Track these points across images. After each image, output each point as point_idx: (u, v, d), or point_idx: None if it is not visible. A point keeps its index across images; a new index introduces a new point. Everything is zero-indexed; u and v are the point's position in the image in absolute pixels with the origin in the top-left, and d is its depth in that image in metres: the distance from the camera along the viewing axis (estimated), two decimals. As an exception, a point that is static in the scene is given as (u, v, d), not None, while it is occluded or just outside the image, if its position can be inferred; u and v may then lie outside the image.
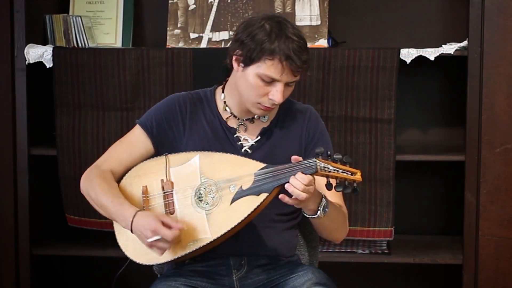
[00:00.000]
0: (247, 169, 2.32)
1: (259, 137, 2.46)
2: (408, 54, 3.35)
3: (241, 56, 2.35)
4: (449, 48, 3.38)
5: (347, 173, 2.21)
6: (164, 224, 2.27)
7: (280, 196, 2.24)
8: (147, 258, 2.36)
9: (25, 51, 3.47)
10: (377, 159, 3.38)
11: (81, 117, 3.50)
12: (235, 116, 2.47)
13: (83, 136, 3.50)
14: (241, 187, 2.31)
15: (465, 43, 3.37)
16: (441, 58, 3.37)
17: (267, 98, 2.35)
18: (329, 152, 2.23)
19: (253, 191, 2.29)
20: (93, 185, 2.39)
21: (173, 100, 2.49)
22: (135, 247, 2.37)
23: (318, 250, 2.66)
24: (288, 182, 2.23)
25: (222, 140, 2.45)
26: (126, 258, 2.43)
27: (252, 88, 2.34)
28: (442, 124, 3.73)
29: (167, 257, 2.34)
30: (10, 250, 3.57)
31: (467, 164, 3.38)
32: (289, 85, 2.37)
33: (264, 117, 2.47)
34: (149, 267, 2.61)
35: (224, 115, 2.47)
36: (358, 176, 2.21)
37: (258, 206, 2.29)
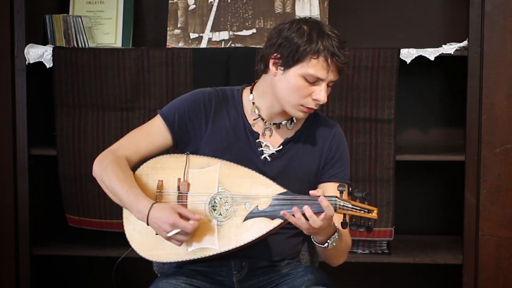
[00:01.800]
0: (266, 190, 2.30)
1: (281, 147, 2.44)
2: (408, 54, 3.35)
3: (280, 59, 2.33)
4: (449, 48, 3.38)
5: (364, 211, 2.20)
6: (181, 216, 2.27)
7: (282, 212, 2.23)
8: (151, 253, 2.36)
9: (25, 51, 3.47)
10: (377, 159, 3.38)
11: (81, 117, 3.50)
12: (262, 119, 2.44)
13: (83, 136, 3.49)
14: (257, 206, 2.30)
15: (465, 43, 3.37)
16: (441, 58, 3.37)
17: (311, 99, 2.33)
18: (350, 189, 2.22)
19: (268, 214, 2.28)
20: (108, 172, 2.36)
21: (198, 96, 2.45)
22: (141, 239, 2.37)
23: (318, 250, 2.66)
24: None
25: (243, 142, 2.42)
26: (126, 252, 2.43)
27: (294, 90, 2.32)
28: (442, 124, 3.73)
29: (171, 258, 2.34)
30: (10, 250, 3.57)
31: (467, 164, 3.38)
32: (330, 86, 2.36)
33: (290, 124, 2.45)
34: (150, 265, 2.61)
35: (251, 117, 2.44)
36: (374, 214, 2.20)
37: (271, 230, 2.28)
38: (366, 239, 3.45)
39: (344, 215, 2.22)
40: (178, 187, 2.37)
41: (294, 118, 2.45)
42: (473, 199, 3.39)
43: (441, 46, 3.40)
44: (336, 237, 2.28)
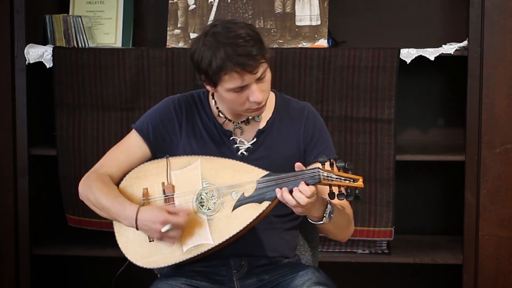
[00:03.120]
0: (249, 176, 2.31)
1: (254, 139, 2.45)
2: (408, 54, 3.35)
3: (205, 81, 2.35)
4: (449, 48, 3.38)
5: (349, 181, 2.20)
6: (169, 212, 2.28)
7: (277, 190, 2.24)
8: (148, 261, 2.36)
9: (25, 51, 3.47)
10: (377, 159, 3.38)
11: (81, 117, 3.50)
12: (230, 120, 2.46)
13: (83, 136, 3.50)
14: (243, 194, 2.31)
15: (465, 43, 3.37)
16: (441, 58, 3.37)
17: (249, 102, 2.33)
18: (331, 160, 2.22)
19: (256, 198, 2.29)
20: (92, 189, 2.39)
21: (168, 104, 2.48)
22: (136, 250, 2.37)
23: (318, 250, 2.66)
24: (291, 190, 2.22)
25: (218, 143, 2.44)
26: (125, 258, 2.43)
27: (232, 102, 2.35)
28: (442, 124, 3.73)
29: (168, 261, 2.34)
30: (10, 250, 3.57)
31: (467, 164, 3.38)
32: (261, 79, 2.32)
33: (258, 116, 2.45)
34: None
35: (219, 120, 2.47)
36: (360, 183, 2.21)
37: (260, 214, 2.29)
38: (366, 239, 3.45)
39: (330, 186, 2.22)
40: (163, 191, 2.38)
41: None
42: (473, 199, 3.39)
43: (441, 46, 3.40)
44: (331, 208, 2.29)
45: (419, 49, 3.36)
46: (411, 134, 3.74)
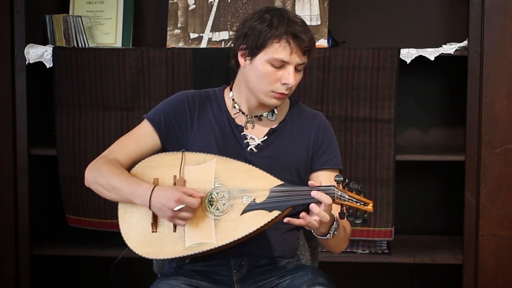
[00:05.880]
0: (263, 183, 2.31)
1: (266, 137, 2.46)
2: (408, 54, 3.36)
3: (246, 49, 2.37)
4: (449, 48, 3.38)
5: (360, 203, 2.23)
6: (184, 193, 2.28)
7: (286, 220, 2.24)
8: (148, 251, 2.36)
9: (25, 51, 3.47)
10: (377, 159, 3.38)
11: (81, 117, 3.50)
12: (243, 113, 2.47)
13: (83, 136, 3.50)
14: (254, 199, 2.31)
15: (465, 43, 3.37)
16: (441, 58, 3.38)
17: (280, 84, 2.36)
18: (347, 180, 2.24)
19: (266, 206, 2.29)
20: (102, 171, 2.38)
21: (182, 97, 2.49)
22: (137, 238, 2.37)
23: (318, 250, 2.66)
24: (303, 204, 2.24)
25: (229, 137, 2.45)
26: (123, 253, 2.43)
27: (263, 77, 2.35)
28: (442, 124, 3.73)
29: (168, 254, 2.34)
30: (10, 250, 3.57)
31: (467, 164, 3.38)
32: (298, 70, 2.38)
33: (272, 115, 2.47)
34: (150, 265, 2.61)
35: (233, 113, 2.47)
36: (370, 207, 2.23)
37: (268, 222, 2.29)
38: (366, 239, 3.45)
39: (342, 205, 2.24)
40: (174, 184, 2.37)
41: (275, 110, 2.47)
42: (473, 199, 3.39)
43: (441, 46, 3.40)
44: (336, 226, 2.30)
45: (419, 49, 3.36)
46: (411, 134, 3.74)
